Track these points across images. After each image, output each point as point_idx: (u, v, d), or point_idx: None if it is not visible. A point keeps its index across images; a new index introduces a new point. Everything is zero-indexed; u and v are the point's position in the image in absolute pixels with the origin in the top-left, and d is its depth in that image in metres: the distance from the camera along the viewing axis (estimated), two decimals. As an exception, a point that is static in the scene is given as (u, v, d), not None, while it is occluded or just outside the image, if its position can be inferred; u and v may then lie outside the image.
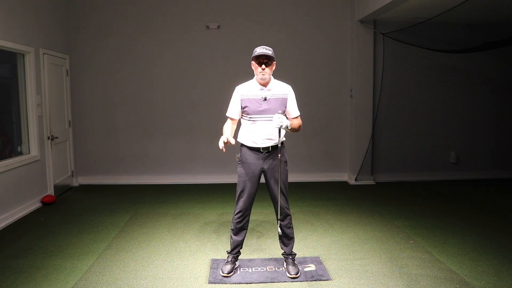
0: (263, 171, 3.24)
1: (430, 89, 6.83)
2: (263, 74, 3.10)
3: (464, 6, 4.67)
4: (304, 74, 6.69)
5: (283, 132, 3.14)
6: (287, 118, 3.23)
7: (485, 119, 6.99)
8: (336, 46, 6.71)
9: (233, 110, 3.24)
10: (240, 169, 3.27)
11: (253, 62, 3.15)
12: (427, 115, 6.87)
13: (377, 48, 6.58)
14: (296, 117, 3.28)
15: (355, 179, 6.64)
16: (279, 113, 3.03)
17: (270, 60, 3.10)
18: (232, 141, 3.03)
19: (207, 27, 6.54)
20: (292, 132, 3.26)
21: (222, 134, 3.15)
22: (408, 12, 5.79)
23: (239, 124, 3.33)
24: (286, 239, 3.35)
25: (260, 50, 3.08)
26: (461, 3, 4.67)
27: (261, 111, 3.13)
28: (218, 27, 6.55)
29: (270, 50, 3.10)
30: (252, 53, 3.14)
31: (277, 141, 3.14)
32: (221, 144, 3.01)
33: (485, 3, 4.42)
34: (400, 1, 5.06)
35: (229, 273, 3.27)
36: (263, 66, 3.08)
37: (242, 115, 3.24)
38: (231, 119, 3.26)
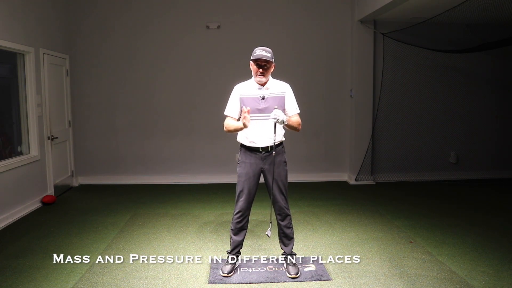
0: (262, 171, 3.24)
1: (430, 89, 6.83)
2: (261, 77, 3.10)
3: (464, 6, 4.67)
4: (304, 74, 6.69)
5: (280, 128, 3.14)
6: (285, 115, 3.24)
7: (485, 119, 6.99)
8: (336, 46, 6.71)
9: (232, 109, 3.24)
10: (239, 169, 3.28)
11: (251, 63, 3.15)
12: (427, 115, 6.87)
13: (377, 48, 6.58)
14: (295, 115, 3.25)
15: (355, 179, 6.64)
16: (276, 108, 3.03)
17: (268, 63, 3.09)
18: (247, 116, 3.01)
19: (207, 27, 6.54)
20: (290, 129, 3.24)
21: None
22: (408, 12, 5.79)
23: None
24: (286, 239, 3.35)
25: (259, 52, 3.07)
26: (461, 3, 4.66)
27: (259, 110, 3.14)
28: (218, 27, 6.55)
29: (269, 53, 3.09)
30: (251, 53, 3.14)
31: (275, 139, 3.15)
32: (247, 121, 2.99)
33: (485, 3, 4.42)
34: (400, 1, 5.06)
35: (229, 273, 3.27)
36: (261, 69, 3.08)
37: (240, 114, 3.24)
38: (230, 118, 3.25)
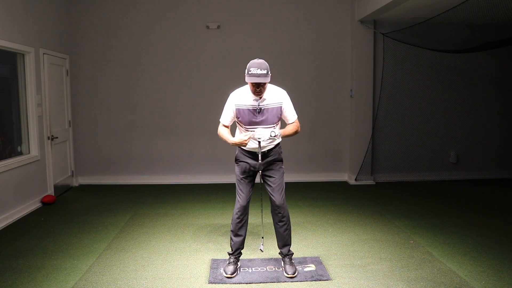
0: (258, 171, 3.25)
1: (430, 89, 6.83)
2: (258, 95, 3.04)
3: (464, 6, 4.67)
4: (304, 74, 6.68)
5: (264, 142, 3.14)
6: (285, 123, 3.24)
7: (485, 119, 6.99)
8: (336, 46, 6.71)
9: (226, 117, 3.22)
10: (236, 169, 3.30)
11: (247, 78, 2.98)
12: (427, 115, 6.87)
13: (377, 48, 6.58)
14: (293, 122, 3.25)
15: (355, 179, 6.64)
16: (259, 128, 3.06)
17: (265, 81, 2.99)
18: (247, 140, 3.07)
19: (207, 27, 6.54)
20: (287, 137, 3.26)
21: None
22: (408, 12, 5.79)
23: (234, 124, 3.33)
24: (283, 239, 3.34)
25: (255, 71, 2.90)
26: (461, 3, 4.67)
27: (257, 123, 3.12)
28: (218, 27, 6.55)
29: (265, 69, 2.92)
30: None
31: (272, 145, 3.20)
32: (244, 139, 3.03)
33: (485, 3, 4.42)
34: (400, 1, 5.06)
35: (232, 274, 3.26)
36: (258, 89, 2.99)
37: (237, 122, 3.24)
38: (224, 126, 3.24)
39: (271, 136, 3.02)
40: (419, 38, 6.37)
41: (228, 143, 3.17)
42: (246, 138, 3.03)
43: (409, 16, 6.05)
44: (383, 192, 6.14)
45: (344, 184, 6.72)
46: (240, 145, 3.11)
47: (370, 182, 6.68)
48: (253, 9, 6.58)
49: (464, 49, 5.94)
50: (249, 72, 2.94)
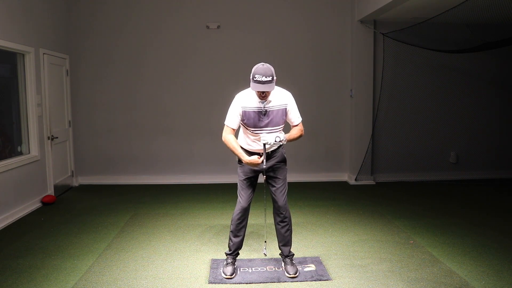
0: (261, 172, 3.25)
1: (430, 89, 6.83)
2: (263, 98, 3.04)
3: (464, 6, 4.67)
4: (304, 74, 6.69)
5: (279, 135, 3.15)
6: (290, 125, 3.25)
7: (485, 119, 6.99)
8: (336, 46, 6.71)
9: (233, 120, 3.15)
10: (239, 170, 3.29)
11: (252, 86, 2.97)
12: (427, 115, 6.87)
13: (377, 48, 6.58)
14: (297, 125, 3.24)
15: (355, 179, 6.64)
16: (265, 133, 3.08)
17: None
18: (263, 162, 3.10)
19: (207, 27, 6.54)
20: (292, 141, 3.26)
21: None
22: (408, 12, 5.79)
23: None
24: (284, 240, 3.34)
25: (260, 78, 2.88)
26: (461, 3, 4.66)
27: (262, 125, 3.11)
28: (218, 27, 6.54)
29: (270, 75, 2.89)
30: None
31: (275, 146, 3.20)
32: (258, 160, 3.06)
33: (485, 3, 4.42)
34: (400, 1, 5.07)
35: (231, 274, 3.26)
36: (263, 94, 3.00)
37: (242, 125, 3.22)
38: (231, 129, 3.18)
39: (275, 141, 3.04)
40: (419, 38, 6.37)
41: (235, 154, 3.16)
42: (259, 161, 3.05)
43: (409, 16, 6.05)
44: (383, 192, 6.14)
45: (344, 184, 6.72)
46: (251, 165, 3.11)
47: (370, 182, 6.68)
48: (253, 9, 6.58)
49: (464, 49, 5.94)
50: (254, 79, 2.92)
